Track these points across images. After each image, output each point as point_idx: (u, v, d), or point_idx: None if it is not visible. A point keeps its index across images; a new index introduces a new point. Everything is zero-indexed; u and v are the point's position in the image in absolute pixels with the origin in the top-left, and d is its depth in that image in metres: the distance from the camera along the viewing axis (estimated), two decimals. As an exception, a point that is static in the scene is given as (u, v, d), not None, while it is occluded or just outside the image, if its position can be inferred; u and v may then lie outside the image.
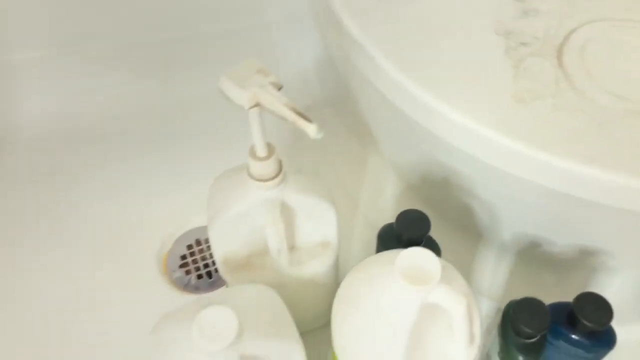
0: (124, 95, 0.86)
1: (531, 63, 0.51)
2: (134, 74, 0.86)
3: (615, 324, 0.61)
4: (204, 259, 0.73)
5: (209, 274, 0.72)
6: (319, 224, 0.55)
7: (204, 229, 0.75)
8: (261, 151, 0.47)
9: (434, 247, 0.56)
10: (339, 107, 0.85)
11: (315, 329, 0.57)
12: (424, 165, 0.62)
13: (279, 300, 0.50)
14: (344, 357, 0.49)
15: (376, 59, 0.52)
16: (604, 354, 0.52)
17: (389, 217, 0.56)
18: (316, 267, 0.55)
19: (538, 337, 0.50)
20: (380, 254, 0.53)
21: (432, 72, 0.51)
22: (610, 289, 0.63)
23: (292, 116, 0.40)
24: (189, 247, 0.74)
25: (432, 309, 0.46)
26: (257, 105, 0.42)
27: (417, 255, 0.43)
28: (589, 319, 0.48)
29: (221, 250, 0.54)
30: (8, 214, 0.76)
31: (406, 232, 0.53)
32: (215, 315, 0.41)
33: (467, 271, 0.68)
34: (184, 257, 0.73)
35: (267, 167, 0.48)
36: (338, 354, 0.50)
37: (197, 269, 0.72)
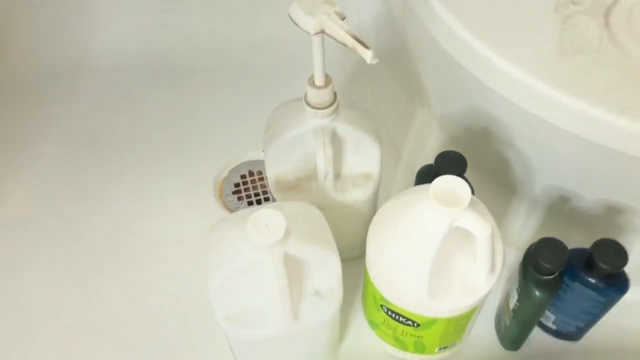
0: (195, 34, 0.93)
1: (578, 20, 0.54)
2: (206, 15, 0.92)
3: (638, 284, 0.65)
4: (255, 188, 0.80)
5: (259, 202, 0.78)
6: (364, 157, 0.60)
7: (257, 162, 0.81)
8: (319, 79, 0.52)
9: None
10: (392, 62, 0.89)
11: (352, 259, 0.62)
12: (468, 116, 0.66)
13: (322, 217, 0.55)
14: (374, 273, 0.55)
15: (432, 4, 0.56)
16: (616, 299, 0.56)
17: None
18: (358, 196, 0.61)
19: (555, 274, 0.54)
20: (417, 186, 0.58)
21: (483, 19, 0.55)
22: (636, 250, 0.66)
23: (352, 42, 0.45)
24: (243, 176, 0.81)
25: (460, 239, 0.51)
26: (321, 32, 0.47)
27: (451, 181, 0.48)
28: (605, 261, 0.52)
29: (274, 171, 0.60)
30: (81, 132, 0.85)
31: (443, 169, 0.58)
32: (268, 216, 0.47)
33: (498, 221, 0.72)
34: (237, 185, 0.80)
35: (323, 96, 0.53)
36: (369, 268, 0.55)
37: (248, 196, 0.79)
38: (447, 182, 0.48)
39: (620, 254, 0.52)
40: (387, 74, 0.90)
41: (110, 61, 0.92)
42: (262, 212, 0.47)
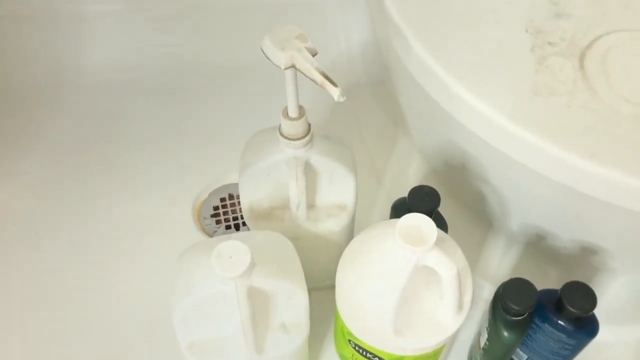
0: (180, 53, 0.93)
1: (554, 62, 0.54)
2: (191, 34, 0.93)
3: (613, 324, 0.65)
4: (234, 212, 0.79)
5: (237, 227, 0.78)
6: (338, 188, 0.60)
7: (237, 185, 0.81)
8: (293, 111, 0.52)
9: (441, 222, 0.60)
10: (377, 88, 0.89)
11: (325, 287, 0.62)
12: (445, 149, 0.66)
13: (292, 248, 0.55)
14: (342, 307, 0.54)
15: (409, 40, 0.57)
16: (586, 342, 0.55)
17: None
18: (331, 226, 0.61)
19: (524, 316, 0.54)
20: (389, 220, 0.58)
21: (459, 57, 0.55)
22: (610, 290, 0.66)
23: (320, 79, 0.45)
24: (222, 199, 0.81)
25: (429, 277, 0.50)
26: (292, 66, 0.47)
27: (418, 220, 0.48)
28: (574, 305, 0.51)
29: (248, 198, 0.60)
30: (64, 148, 0.85)
31: (416, 205, 0.57)
32: (232, 248, 0.47)
33: (476, 256, 0.72)
34: (216, 207, 0.80)
35: (296, 127, 0.53)
36: (338, 302, 0.55)
37: (226, 220, 0.78)
38: (414, 221, 0.47)
39: (589, 298, 0.52)
40: (372, 99, 0.90)
41: (97, 77, 0.93)
42: (228, 244, 0.47)
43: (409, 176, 0.79)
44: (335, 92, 0.45)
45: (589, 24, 0.58)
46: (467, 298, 0.53)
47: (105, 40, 0.92)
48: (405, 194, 0.60)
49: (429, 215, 0.58)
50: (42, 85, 0.90)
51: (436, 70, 0.54)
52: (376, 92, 0.90)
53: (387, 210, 0.64)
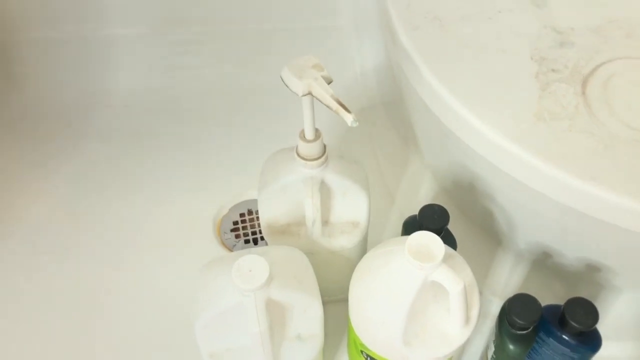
0: (203, 76, 0.98)
1: (557, 88, 0.57)
2: (213, 59, 0.97)
3: (618, 340, 0.67)
4: (252, 227, 0.83)
5: (255, 241, 0.81)
6: (352, 205, 0.63)
7: (256, 201, 0.85)
8: (309, 134, 0.56)
9: (450, 239, 0.63)
10: (391, 109, 0.92)
11: (339, 300, 0.65)
12: (454, 170, 0.69)
13: (308, 262, 0.58)
14: (354, 319, 0.57)
15: (420, 68, 0.60)
16: (589, 356, 0.57)
17: None
18: (344, 243, 0.64)
19: (529, 330, 0.56)
20: (400, 237, 0.61)
21: (467, 84, 0.58)
22: (615, 307, 0.68)
23: (335, 105, 0.48)
24: (242, 215, 0.84)
25: (437, 291, 0.53)
26: (309, 93, 0.50)
27: (427, 237, 0.51)
28: (577, 320, 0.54)
29: (266, 215, 0.63)
30: (92, 167, 0.89)
31: (426, 222, 0.60)
32: (252, 262, 0.50)
33: (484, 272, 0.75)
34: (235, 222, 0.83)
35: (312, 149, 0.57)
36: (350, 314, 0.58)
37: (245, 234, 0.82)
38: (423, 238, 0.50)
39: (591, 313, 0.54)
40: (385, 120, 0.94)
41: (124, 99, 0.97)
42: (247, 258, 0.51)
43: (419, 194, 0.82)
44: (349, 118, 0.48)
45: (592, 52, 0.60)
46: (474, 312, 0.55)
47: (132, 63, 0.97)
48: (416, 212, 0.63)
49: (439, 232, 0.61)
50: (72, 108, 0.95)
51: (445, 96, 0.58)
52: (389, 113, 0.93)
53: (399, 227, 0.67)
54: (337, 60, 1.00)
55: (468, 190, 0.69)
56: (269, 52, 0.98)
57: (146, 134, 0.93)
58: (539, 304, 0.56)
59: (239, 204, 0.85)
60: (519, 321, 0.55)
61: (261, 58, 0.98)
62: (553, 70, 0.59)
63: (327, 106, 0.50)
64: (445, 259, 0.50)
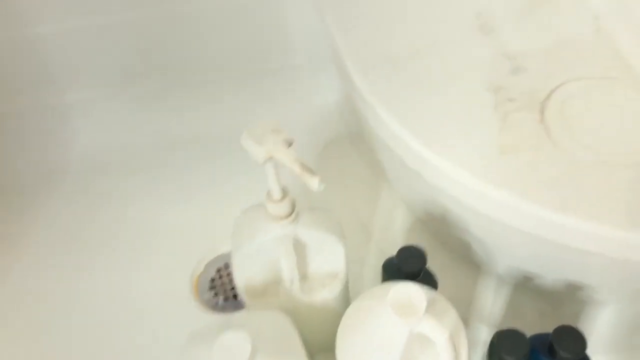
0: (165, 129, 0.96)
1: (516, 117, 0.58)
2: (177, 109, 0.96)
3: (607, 353, 0.67)
4: (231, 282, 0.81)
5: (235, 296, 0.79)
6: (328, 257, 0.62)
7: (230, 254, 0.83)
8: (276, 195, 0.55)
9: (431, 280, 0.62)
10: (358, 141, 0.92)
11: (326, 351, 0.63)
12: (426, 204, 0.69)
13: (291, 326, 0.57)
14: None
15: (377, 110, 0.60)
16: (582, 381, 0.57)
17: (399, 246, 0.62)
18: (325, 296, 0.62)
19: (519, 363, 0.56)
20: (381, 285, 0.60)
21: (425, 122, 0.58)
22: (599, 320, 0.68)
23: (298, 171, 0.47)
24: (218, 270, 0.82)
25: (422, 338, 0.52)
26: (270, 159, 0.49)
27: (407, 289, 0.50)
28: (565, 349, 0.54)
29: (242, 278, 0.62)
30: (59, 233, 0.86)
31: (404, 266, 0.60)
32: (232, 340, 0.49)
33: (469, 299, 0.74)
34: (213, 280, 0.81)
35: (281, 208, 0.55)
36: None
37: (224, 291, 0.80)
38: (404, 290, 0.50)
39: (579, 341, 0.54)
40: (353, 152, 0.93)
41: (88, 162, 0.95)
42: (227, 336, 0.49)
43: (396, 227, 0.81)
44: (314, 183, 0.47)
45: (545, 75, 0.61)
46: (463, 352, 0.55)
47: (93, 126, 0.95)
48: (394, 246, 0.62)
49: (418, 273, 0.61)
50: (33, 177, 0.93)
51: (405, 137, 0.57)
52: (356, 146, 0.93)
53: (378, 266, 0.66)
54: (298, 96, 0.99)
55: (442, 223, 0.68)
56: (231, 96, 0.96)
57: (113, 195, 0.91)
58: (526, 339, 0.55)
59: (213, 259, 0.83)
60: (508, 358, 0.54)
61: (225, 104, 0.97)
62: (510, 99, 0.59)
63: (291, 170, 0.49)
64: (428, 306, 0.49)
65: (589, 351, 0.55)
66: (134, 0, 0.83)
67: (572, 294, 0.66)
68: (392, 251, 0.64)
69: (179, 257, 0.82)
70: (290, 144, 0.50)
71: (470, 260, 0.73)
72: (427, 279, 0.62)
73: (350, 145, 0.94)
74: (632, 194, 0.51)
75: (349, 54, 0.66)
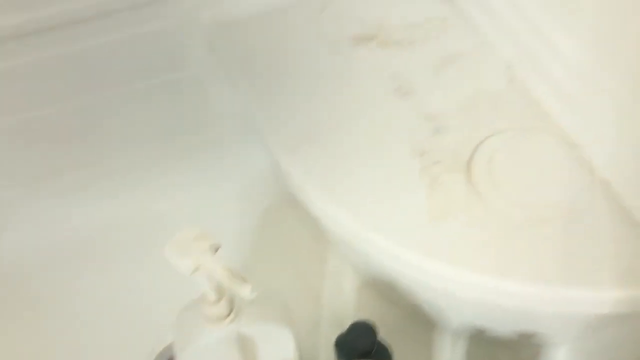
0: (92, 220, 0.92)
1: (444, 180, 0.57)
2: (99, 200, 0.92)
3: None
4: (183, 373, 0.77)
5: (189, 388, 0.76)
6: (277, 346, 0.60)
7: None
8: (211, 298, 0.52)
9: (384, 353, 0.61)
10: (296, 204, 0.90)
11: None
12: (369, 268, 0.68)
13: None
14: None
15: (304, 188, 0.59)
16: None
17: (351, 310, 0.61)
18: (279, 385, 0.60)
19: None
20: (334, 369, 0.58)
21: (355, 198, 0.57)
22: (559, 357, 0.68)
23: (227, 281, 0.45)
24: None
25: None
26: (198, 269, 0.47)
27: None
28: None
29: (190, 382, 0.59)
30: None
31: (356, 343, 0.58)
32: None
33: (427, 357, 0.73)
34: (164, 373, 0.77)
35: (218, 310, 0.53)
36: None
37: (177, 383, 0.76)
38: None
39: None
40: (294, 216, 0.92)
41: (14, 264, 0.90)
42: None
43: (345, 291, 0.80)
44: (245, 291, 0.45)
45: (467, 133, 0.61)
46: None
47: (15, 227, 0.90)
48: (346, 312, 0.61)
49: (370, 349, 0.59)
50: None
51: (336, 214, 0.56)
52: (294, 207, 0.91)
53: (331, 330, 0.64)
54: (229, 165, 0.97)
55: (389, 287, 0.67)
56: (160, 176, 0.93)
57: (44, 292, 0.86)
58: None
59: (161, 352, 0.79)
60: None
61: (152, 186, 0.93)
62: (436, 162, 0.59)
63: (220, 280, 0.46)
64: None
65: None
66: (48, 96, 0.80)
67: (526, 341, 0.65)
68: (345, 318, 0.62)
69: (125, 354, 0.78)
70: (217, 249, 0.48)
71: (423, 319, 0.72)
72: (381, 353, 0.60)
73: (289, 208, 0.92)
74: (563, 248, 0.51)
75: (272, 134, 0.65)
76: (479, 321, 0.63)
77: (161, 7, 0.74)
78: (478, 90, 0.65)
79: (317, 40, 0.73)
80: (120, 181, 0.92)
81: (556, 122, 0.61)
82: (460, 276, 0.51)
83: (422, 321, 0.73)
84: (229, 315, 0.54)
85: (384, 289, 0.72)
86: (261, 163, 0.97)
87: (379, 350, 0.60)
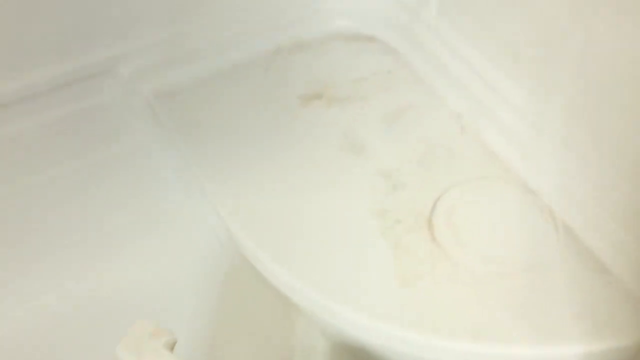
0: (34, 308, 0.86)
1: (407, 241, 0.56)
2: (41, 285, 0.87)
3: None
4: None
5: None
6: None
7: None
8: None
9: None
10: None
11: None
12: (339, 334, 0.65)
13: None
14: None
15: (260, 259, 0.56)
16: None
17: None
18: None
19: None
20: None
21: (318, 269, 0.55)
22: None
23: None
24: None
25: None
26: (154, 370, 0.44)
27: None
28: None
29: None
30: None
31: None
32: None
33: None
34: None
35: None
36: None
37: None
38: None
39: None
40: (256, 278, 0.88)
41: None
42: None
43: (316, 354, 0.76)
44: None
45: (425, 187, 0.60)
46: None
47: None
48: None
49: None
50: None
51: (297, 286, 0.54)
52: (259, 274, 0.88)
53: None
54: (183, 233, 0.94)
55: (361, 350, 0.65)
56: (111, 257, 0.89)
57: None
58: None
59: None
60: None
61: (106, 262, 0.89)
62: (397, 221, 0.58)
63: (180, 381, 0.43)
64: None
65: None
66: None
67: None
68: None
69: None
70: (173, 346, 0.44)
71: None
72: None
73: (248, 270, 0.89)
74: (531, 303, 0.50)
75: (221, 202, 0.63)
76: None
77: (98, 82, 0.72)
78: (431, 142, 0.64)
79: (264, 102, 0.72)
80: (65, 261, 0.87)
81: (512, 170, 0.61)
82: (431, 342, 0.49)
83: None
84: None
85: (357, 352, 0.69)
86: (213, 228, 0.94)
87: None
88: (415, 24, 0.74)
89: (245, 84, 0.73)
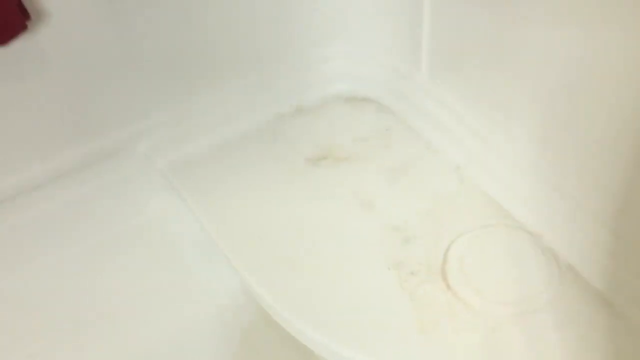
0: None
1: (424, 291, 0.60)
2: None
3: None
4: None
5: None
6: None
7: None
8: None
9: None
10: (274, 322, 0.90)
11: None
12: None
13: None
14: None
15: (282, 315, 0.59)
16: None
17: None
18: None
19: None
20: None
21: (339, 320, 0.58)
22: None
23: None
24: None
25: None
26: None
27: None
28: None
29: None
30: None
31: None
32: None
33: None
34: None
35: None
36: None
37: None
38: None
39: None
40: (274, 335, 0.90)
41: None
42: None
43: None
44: None
45: (434, 239, 0.64)
46: None
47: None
48: None
49: None
50: None
51: (321, 340, 0.57)
52: (273, 325, 0.90)
53: None
54: (197, 293, 0.96)
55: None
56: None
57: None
58: None
59: None
60: None
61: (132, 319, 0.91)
62: (412, 273, 0.61)
63: None
64: None
65: None
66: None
67: None
68: None
69: None
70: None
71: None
72: None
73: (267, 327, 0.91)
74: (545, 342, 0.54)
75: (239, 260, 0.66)
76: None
77: (114, 160, 0.76)
78: (433, 194, 0.69)
79: (273, 165, 0.76)
80: (96, 326, 0.89)
81: (512, 215, 0.65)
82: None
83: None
84: None
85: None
86: (232, 283, 0.97)
87: None
88: (409, 85, 0.80)
89: (255, 150, 0.78)
